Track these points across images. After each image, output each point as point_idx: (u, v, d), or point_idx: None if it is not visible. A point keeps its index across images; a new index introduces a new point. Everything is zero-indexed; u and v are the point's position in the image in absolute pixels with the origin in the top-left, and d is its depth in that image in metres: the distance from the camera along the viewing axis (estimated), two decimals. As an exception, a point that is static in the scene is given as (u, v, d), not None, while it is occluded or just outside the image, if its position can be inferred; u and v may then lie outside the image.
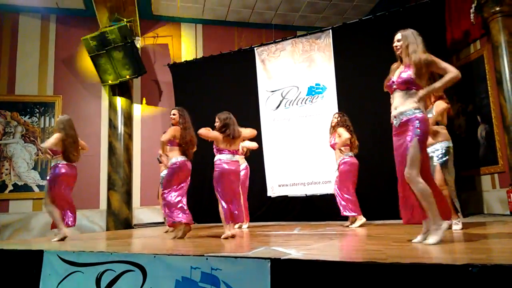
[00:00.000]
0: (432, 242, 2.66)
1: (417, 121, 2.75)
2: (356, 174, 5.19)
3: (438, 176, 3.78)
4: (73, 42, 8.12)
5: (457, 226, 3.79)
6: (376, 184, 6.12)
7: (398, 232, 3.99)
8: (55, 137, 4.82)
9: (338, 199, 5.19)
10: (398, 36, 2.98)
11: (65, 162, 4.81)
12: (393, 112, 2.89)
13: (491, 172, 6.37)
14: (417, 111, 2.78)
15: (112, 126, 8.01)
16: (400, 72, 2.89)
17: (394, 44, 2.99)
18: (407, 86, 2.83)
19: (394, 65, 3.03)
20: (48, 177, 4.88)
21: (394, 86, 2.89)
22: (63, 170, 4.78)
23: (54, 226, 4.85)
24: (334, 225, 5.42)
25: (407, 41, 2.92)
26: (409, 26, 6.33)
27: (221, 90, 7.74)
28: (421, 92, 2.78)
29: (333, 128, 5.31)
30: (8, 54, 8.02)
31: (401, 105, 2.83)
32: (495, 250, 2.51)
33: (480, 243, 2.84)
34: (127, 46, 7.51)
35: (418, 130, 2.73)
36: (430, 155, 3.88)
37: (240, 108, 6.45)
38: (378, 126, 6.13)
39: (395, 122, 2.88)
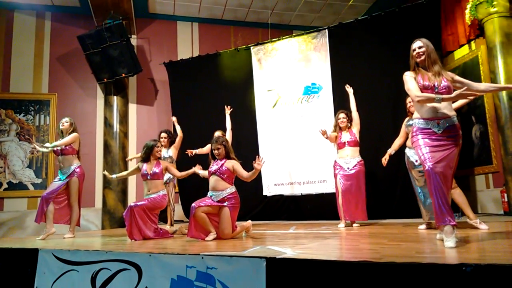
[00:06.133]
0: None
1: (460, 130, 2.90)
2: None
3: None
4: (68, 39, 8.07)
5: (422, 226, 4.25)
6: (371, 184, 6.15)
7: (393, 232, 4.02)
8: (73, 136, 5.18)
9: (351, 202, 4.97)
10: (419, 43, 3.00)
11: (80, 163, 5.24)
12: (434, 114, 2.85)
13: (485, 172, 6.41)
14: (456, 118, 2.91)
15: (107, 124, 7.99)
16: (442, 80, 2.89)
17: (416, 51, 3.00)
18: (449, 93, 2.86)
19: (411, 73, 2.99)
20: (75, 177, 5.13)
21: (438, 91, 2.85)
22: (82, 170, 5.23)
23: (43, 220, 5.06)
24: (330, 224, 5.43)
25: (429, 49, 2.97)
26: (405, 27, 6.41)
27: (217, 89, 7.74)
28: (456, 92, 2.77)
29: (341, 128, 5.22)
30: (3, 51, 7.97)
31: (445, 109, 2.84)
32: (489, 250, 2.53)
33: (474, 242, 2.86)
34: (122, 44, 7.47)
35: (461, 139, 2.89)
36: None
37: (236, 107, 6.45)
38: (373, 125, 6.16)
39: (438, 126, 2.83)
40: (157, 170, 4.68)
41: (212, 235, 3.89)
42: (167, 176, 6.04)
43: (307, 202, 6.83)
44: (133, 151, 8.22)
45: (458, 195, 3.99)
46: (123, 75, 7.69)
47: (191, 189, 7.44)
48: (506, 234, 3.37)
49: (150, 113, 8.59)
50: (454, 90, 2.85)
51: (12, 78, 7.94)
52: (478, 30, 6.24)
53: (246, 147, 6.99)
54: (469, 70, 6.58)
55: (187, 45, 8.98)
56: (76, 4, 8.13)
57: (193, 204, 3.97)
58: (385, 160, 4.73)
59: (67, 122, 5.26)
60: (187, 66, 8.16)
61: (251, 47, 7.61)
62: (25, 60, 8.05)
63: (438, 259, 2.12)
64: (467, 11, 6.05)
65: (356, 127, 5.20)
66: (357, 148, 5.16)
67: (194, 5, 8.47)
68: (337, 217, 5.25)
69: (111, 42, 7.41)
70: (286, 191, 7.02)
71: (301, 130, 6.92)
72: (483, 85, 3.12)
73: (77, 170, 5.15)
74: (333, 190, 5.49)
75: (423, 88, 2.89)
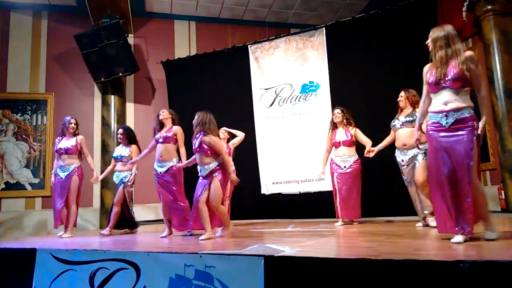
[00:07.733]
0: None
1: (473, 122, 2.64)
2: None
3: (423, 175, 3.95)
4: (65, 39, 8.04)
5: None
6: (369, 182, 6.15)
7: (391, 230, 4.03)
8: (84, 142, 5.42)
9: (348, 201, 4.98)
10: (430, 33, 2.87)
11: (80, 163, 5.32)
12: (443, 106, 2.70)
13: (483, 169, 6.42)
14: (472, 111, 2.67)
15: (105, 123, 7.97)
16: (448, 72, 2.69)
17: (427, 42, 2.89)
18: (461, 83, 2.67)
19: (426, 68, 2.87)
20: (76, 176, 5.24)
21: (444, 84, 2.70)
22: (82, 170, 5.33)
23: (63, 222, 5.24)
24: (328, 223, 5.44)
25: (434, 36, 2.82)
26: (402, 25, 6.41)
27: (214, 87, 7.72)
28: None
29: (336, 125, 5.17)
30: (-1, 51, 7.95)
31: (456, 101, 2.66)
32: (486, 247, 2.54)
33: (471, 239, 2.87)
34: (119, 43, 7.45)
35: (476, 131, 2.64)
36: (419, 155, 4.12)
37: (234, 106, 6.46)
38: (371, 123, 6.16)
39: (446, 118, 2.68)
40: (169, 134, 4.79)
41: (206, 235, 3.86)
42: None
43: (305, 200, 6.84)
44: (131, 151, 8.20)
45: None
46: (120, 74, 7.67)
47: (188, 189, 7.43)
48: (503, 232, 3.38)
49: (147, 112, 8.56)
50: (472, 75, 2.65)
51: (9, 78, 7.91)
52: (475, 27, 6.25)
53: (244, 146, 6.98)
54: (466, 68, 6.59)
55: (184, 43, 8.97)
56: (73, 3, 8.10)
57: (195, 198, 4.07)
58: (368, 151, 4.71)
59: (75, 124, 5.33)
60: (184, 65, 8.15)
61: (249, 46, 7.60)
62: (21, 59, 8.01)
63: (436, 256, 2.13)
64: (464, 9, 6.06)
65: (355, 132, 5.13)
66: (353, 148, 5.13)
67: (191, 3, 8.45)
68: (335, 215, 5.25)
69: (108, 41, 7.39)
70: (284, 189, 7.03)
71: (298, 128, 6.92)
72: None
73: (80, 171, 5.24)
74: (331, 188, 5.49)
75: (428, 85, 2.83)
